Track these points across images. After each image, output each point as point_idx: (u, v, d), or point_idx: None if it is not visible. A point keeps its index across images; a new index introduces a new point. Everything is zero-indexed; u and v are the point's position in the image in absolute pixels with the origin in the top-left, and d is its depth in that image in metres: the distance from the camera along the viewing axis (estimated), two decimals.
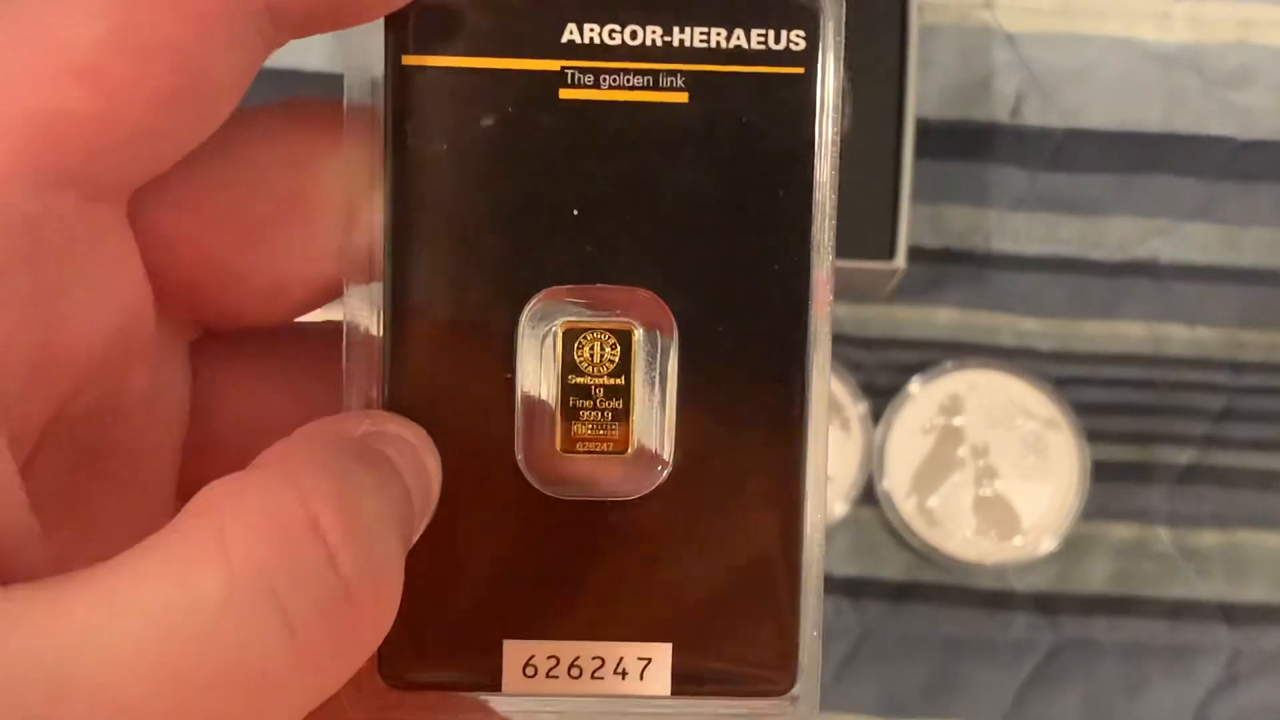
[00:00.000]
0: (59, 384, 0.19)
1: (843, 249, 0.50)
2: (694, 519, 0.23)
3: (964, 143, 0.54)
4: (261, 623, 0.16)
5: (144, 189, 0.20)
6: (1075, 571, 0.52)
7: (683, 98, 0.22)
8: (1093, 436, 0.52)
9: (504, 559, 0.23)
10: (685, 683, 0.23)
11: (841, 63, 0.22)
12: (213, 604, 0.16)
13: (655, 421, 0.23)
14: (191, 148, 0.20)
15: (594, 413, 0.23)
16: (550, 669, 0.23)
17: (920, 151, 0.50)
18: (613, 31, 0.22)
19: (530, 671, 0.23)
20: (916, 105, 0.50)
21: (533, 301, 0.23)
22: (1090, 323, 0.53)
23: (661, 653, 0.23)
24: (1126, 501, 0.52)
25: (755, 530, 0.23)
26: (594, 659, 0.23)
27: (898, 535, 0.52)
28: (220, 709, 0.16)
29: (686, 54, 0.22)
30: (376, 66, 0.22)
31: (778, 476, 0.23)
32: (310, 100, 0.22)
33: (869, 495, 0.52)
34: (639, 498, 0.23)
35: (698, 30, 0.22)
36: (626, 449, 0.23)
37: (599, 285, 0.23)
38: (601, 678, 0.23)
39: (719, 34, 0.22)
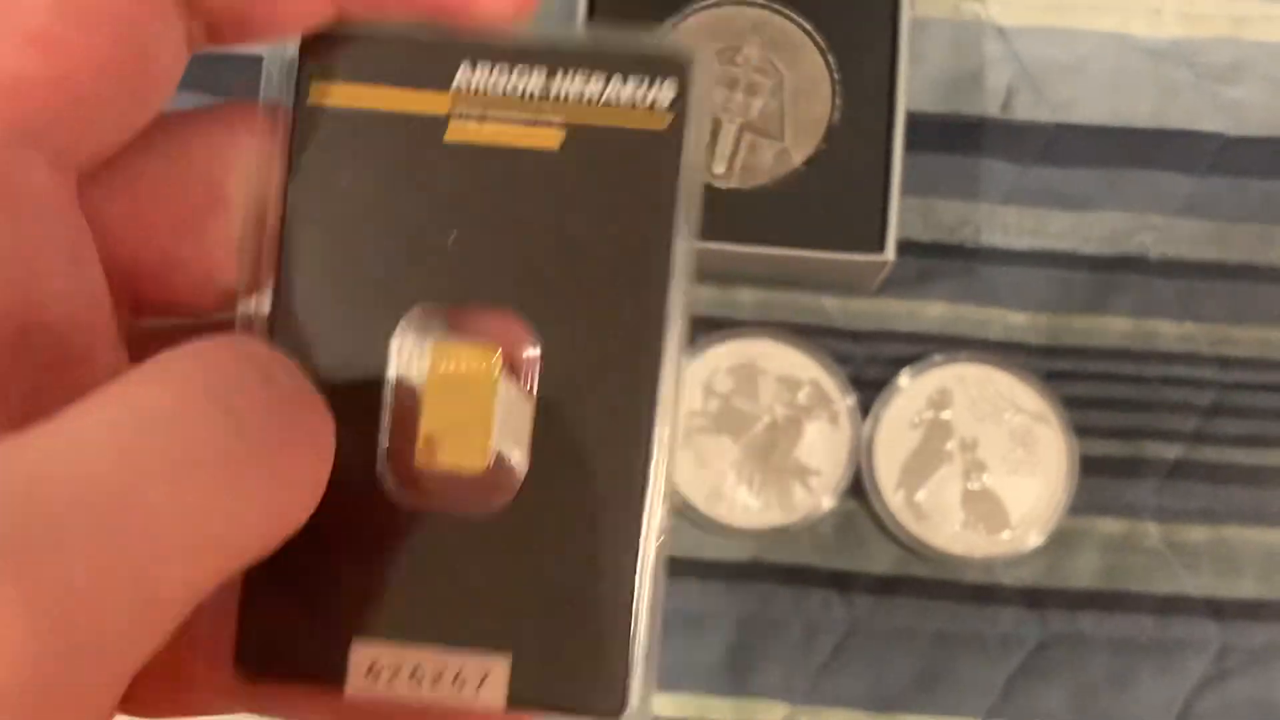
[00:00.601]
0: (39, 356, 0.19)
1: (832, 240, 0.50)
2: (540, 538, 0.24)
3: (954, 136, 0.55)
4: (212, 420, 0.18)
5: (85, 175, 0.21)
6: (1063, 566, 0.52)
7: (558, 139, 0.24)
8: (1081, 431, 0.52)
9: (361, 564, 0.24)
10: (519, 698, 0.24)
11: (707, 118, 0.25)
12: (166, 411, 0.18)
13: (512, 440, 0.24)
14: (134, 129, 0.21)
15: (456, 427, 0.24)
16: (392, 675, 0.24)
17: (910, 144, 0.50)
18: (497, 76, 0.24)
19: (374, 675, 0.24)
20: (907, 98, 0.51)
21: (404, 320, 0.24)
22: (1079, 317, 0.54)
23: (500, 667, 0.24)
24: (1115, 496, 0.53)
25: (595, 553, 0.24)
26: (435, 667, 0.24)
27: (885, 528, 0.52)
28: (190, 497, 0.17)
29: (563, 101, 0.24)
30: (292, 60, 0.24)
31: (621, 500, 0.24)
32: (242, 102, 0.23)
33: (857, 488, 0.52)
34: (491, 509, 0.24)
35: (577, 77, 0.24)
36: (483, 464, 0.24)
37: (471, 306, 0.24)
38: (440, 687, 0.24)
39: (595, 83, 0.24)
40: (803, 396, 0.52)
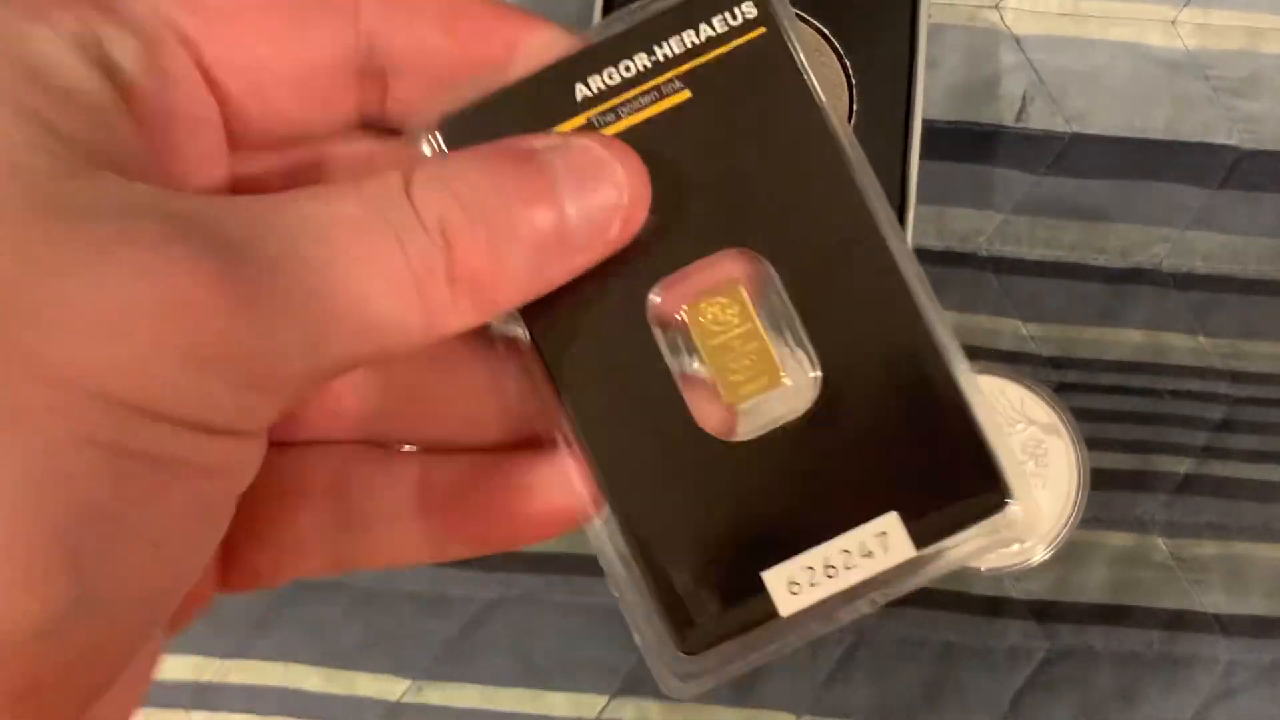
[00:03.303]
0: None
1: None
2: (859, 408, 0.28)
3: (968, 144, 0.56)
4: (383, 235, 0.22)
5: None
6: (1072, 580, 0.53)
7: (687, 95, 0.28)
8: (1092, 443, 0.53)
9: (728, 510, 0.28)
10: (922, 536, 0.28)
11: (792, 15, 0.28)
12: (354, 215, 0.22)
13: (792, 346, 0.28)
14: None
15: (740, 362, 0.28)
16: (810, 579, 0.28)
17: (923, 152, 0.51)
18: (611, 74, 0.28)
19: (795, 589, 0.28)
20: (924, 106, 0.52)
21: (651, 298, 0.28)
22: (1091, 329, 0.55)
23: (892, 522, 0.28)
24: (1124, 510, 0.54)
25: (912, 387, 0.28)
26: (842, 553, 0.28)
27: None
28: (366, 296, 0.22)
29: (673, 61, 0.28)
30: None
31: (906, 334, 0.28)
32: None
33: None
34: (807, 413, 0.28)
35: (673, 40, 0.28)
36: (780, 379, 0.28)
37: (696, 263, 0.28)
38: (855, 565, 0.28)
39: (689, 35, 0.28)
40: None
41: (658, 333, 0.28)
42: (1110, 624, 0.53)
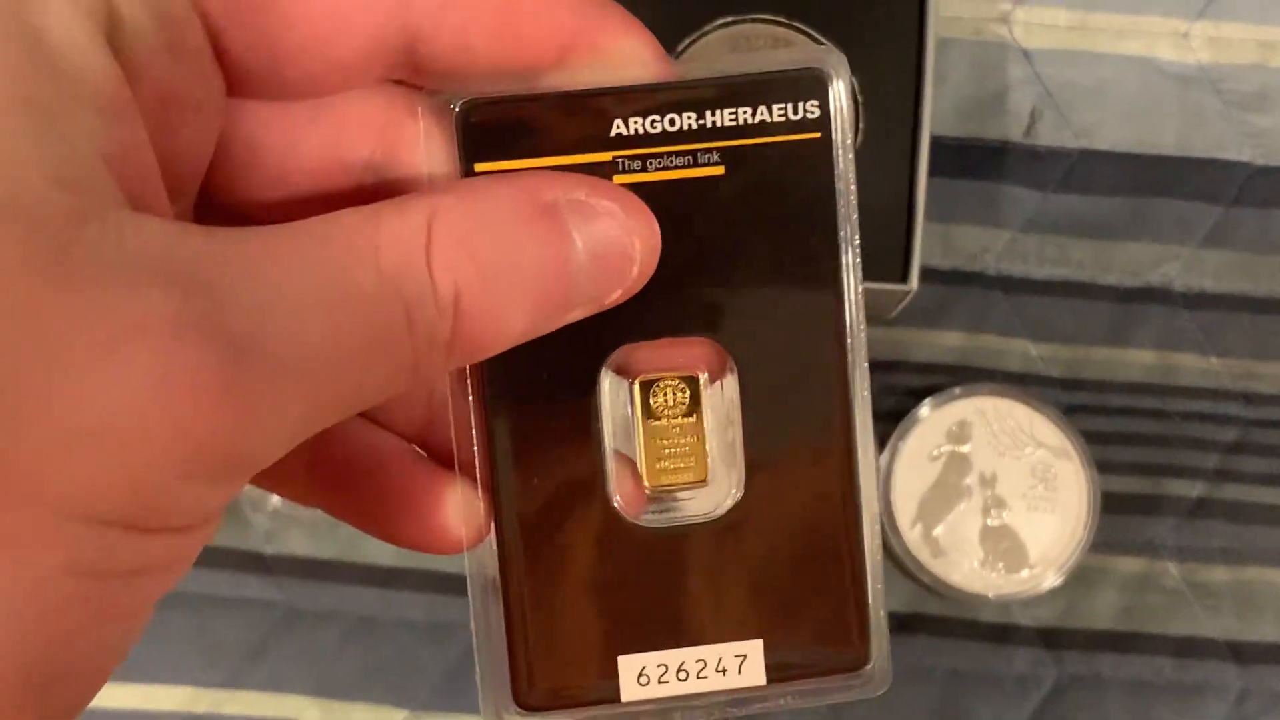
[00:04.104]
0: None
1: None
2: (766, 531, 0.28)
3: (975, 160, 0.55)
4: (393, 312, 0.21)
5: None
6: (1082, 605, 0.53)
7: (719, 171, 0.27)
8: (1102, 466, 0.53)
9: (610, 586, 0.28)
10: (777, 671, 0.28)
11: (851, 120, 0.27)
12: (367, 290, 0.21)
13: (726, 451, 0.28)
14: None
15: (673, 449, 0.28)
16: (661, 675, 0.29)
17: (930, 168, 0.51)
18: (654, 122, 0.26)
19: (644, 680, 0.29)
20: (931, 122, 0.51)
21: (610, 359, 0.27)
22: (1101, 349, 0.54)
23: (754, 649, 0.29)
24: (1135, 534, 0.53)
25: (820, 532, 0.28)
26: (697, 662, 0.29)
27: (901, 564, 0.52)
28: (362, 371, 0.21)
29: (719, 133, 0.27)
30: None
31: (834, 481, 0.28)
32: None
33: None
34: (717, 518, 0.28)
35: (727, 111, 0.27)
36: (705, 478, 0.28)
37: (666, 340, 0.27)
38: (706, 677, 0.29)
39: (745, 112, 0.27)
40: None
41: (605, 396, 0.28)
42: (1120, 651, 0.53)
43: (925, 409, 0.53)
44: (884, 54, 0.52)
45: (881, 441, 0.53)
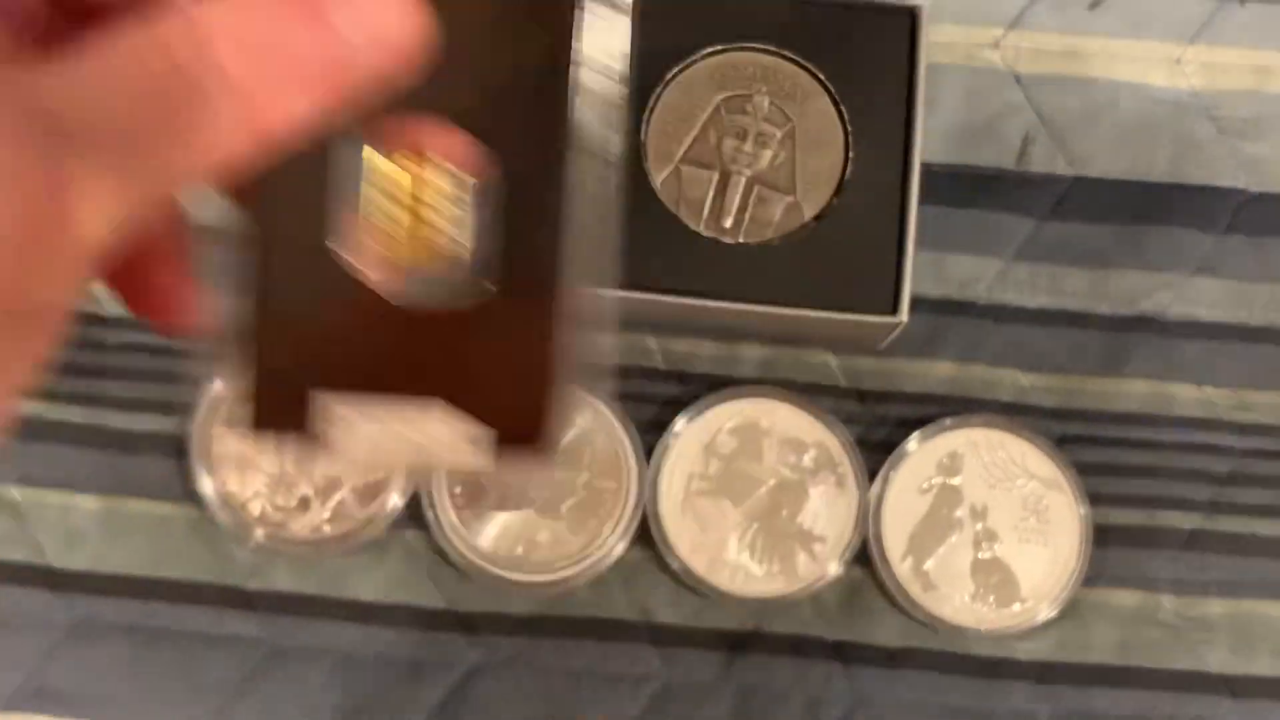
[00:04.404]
0: None
1: (842, 300, 0.51)
2: (481, 308, 0.30)
3: (967, 188, 0.55)
4: (188, 96, 0.24)
5: None
6: (1076, 640, 0.52)
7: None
8: (1095, 499, 0.53)
9: (329, 339, 0.32)
10: (459, 428, 0.31)
11: None
12: (162, 77, 0.23)
13: (449, 227, 0.30)
14: None
15: (419, 226, 0.30)
16: (357, 417, 0.31)
17: (921, 197, 0.50)
18: None
19: (345, 420, 0.31)
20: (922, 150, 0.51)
21: (359, 137, 0.29)
22: (1094, 379, 0.54)
23: (438, 406, 0.31)
24: (1129, 567, 0.53)
25: (525, 316, 0.31)
26: (393, 411, 0.31)
27: (892, 599, 0.52)
28: (166, 149, 0.24)
29: None
30: None
31: (540, 268, 0.30)
32: None
33: (863, 556, 0.52)
34: (440, 290, 0.30)
35: None
36: (428, 254, 0.30)
37: (430, 127, 0.29)
38: (398, 424, 0.31)
39: None
40: (808, 459, 0.52)
41: (349, 171, 0.30)
42: (1115, 686, 0.52)
43: (914, 442, 0.52)
44: (875, 81, 0.51)
45: (872, 474, 0.52)
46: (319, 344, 0.32)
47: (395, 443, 0.32)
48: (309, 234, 0.31)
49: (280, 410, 0.32)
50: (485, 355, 0.31)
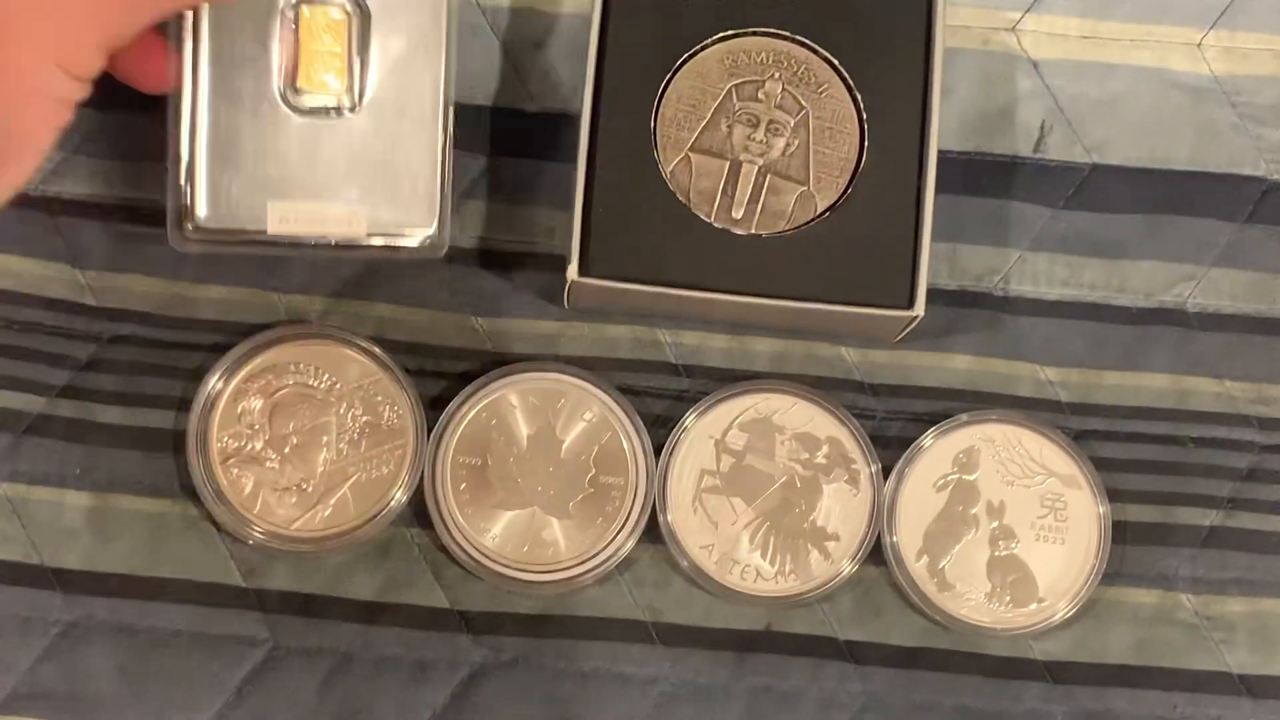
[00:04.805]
0: None
1: (856, 293, 0.50)
2: (379, 126, 0.48)
3: (983, 176, 0.54)
4: None
5: None
6: (1093, 640, 0.51)
7: None
8: (1113, 495, 0.52)
9: (269, 155, 0.47)
10: (374, 230, 0.48)
11: None
12: None
13: (356, 61, 0.48)
14: None
15: (323, 66, 0.47)
16: (295, 219, 0.47)
17: (937, 185, 0.49)
18: None
19: (283, 221, 0.47)
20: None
21: None
22: (1112, 373, 0.53)
23: (360, 212, 0.47)
24: (1147, 565, 0.52)
25: (415, 137, 0.48)
26: (321, 215, 0.47)
27: (906, 598, 0.51)
28: None
29: None
30: None
31: (425, 106, 0.48)
32: None
33: (877, 555, 0.51)
34: (348, 116, 0.48)
35: None
36: (342, 90, 0.48)
37: None
38: (326, 226, 0.48)
39: None
40: (821, 455, 0.51)
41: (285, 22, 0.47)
42: (1132, 686, 0.51)
43: (930, 438, 0.51)
44: (890, 66, 0.50)
45: (886, 470, 0.51)
46: (264, 162, 0.47)
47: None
48: None
49: (228, 218, 0.47)
50: (388, 160, 0.48)
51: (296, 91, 0.48)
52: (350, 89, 0.48)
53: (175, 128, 0.47)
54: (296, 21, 0.47)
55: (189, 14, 0.46)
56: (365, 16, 0.48)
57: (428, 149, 0.48)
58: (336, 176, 0.47)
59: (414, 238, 0.48)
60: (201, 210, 0.47)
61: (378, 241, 0.48)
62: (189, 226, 0.48)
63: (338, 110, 0.48)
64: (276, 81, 0.47)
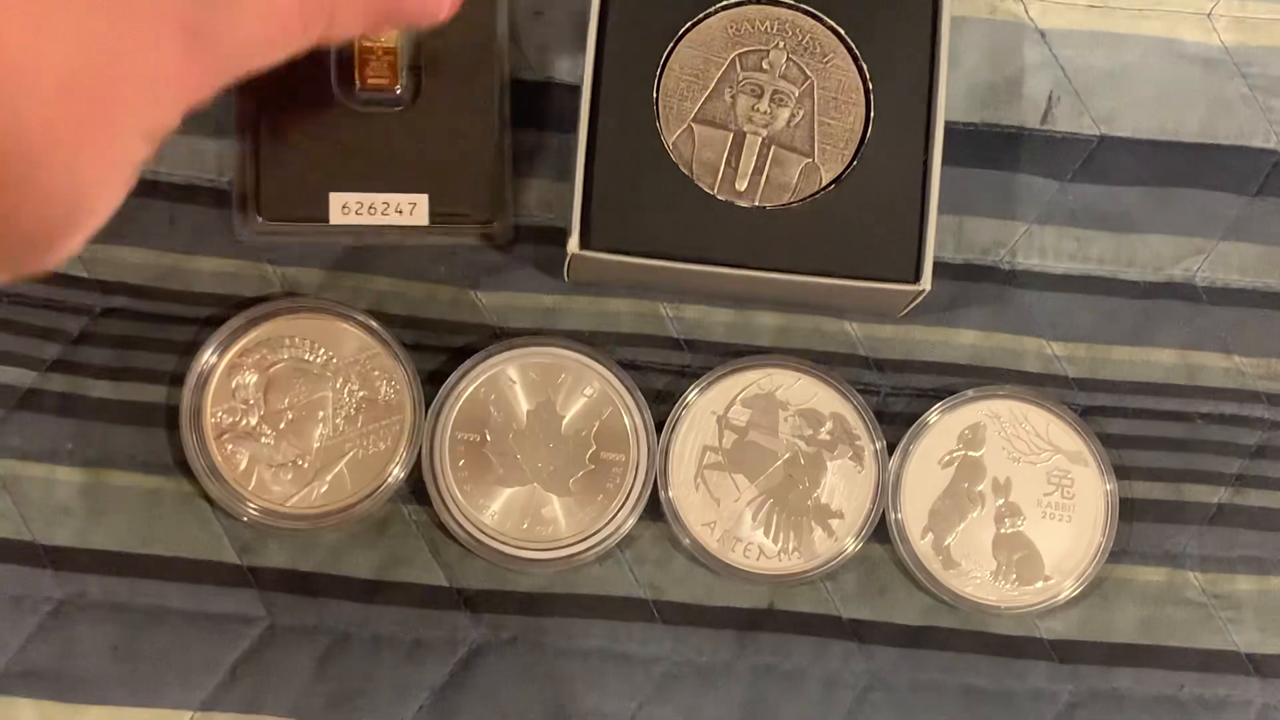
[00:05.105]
0: None
1: (862, 267, 0.49)
2: (438, 121, 0.49)
3: (989, 148, 0.53)
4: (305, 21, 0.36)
5: None
6: (1099, 618, 0.51)
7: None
8: (1120, 472, 0.51)
9: (331, 145, 0.49)
10: (436, 218, 0.49)
11: None
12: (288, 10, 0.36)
13: (411, 53, 0.50)
14: None
15: (377, 65, 0.49)
16: (357, 209, 0.49)
17: (943, 157, 0.49)
18: None
19: (345, 210, 0.49)
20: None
21: None
22: (1120, 348, 0.52)
23: (422, 200, 0.49)
24: (1155, 543, 0.51)
25: (470, 124, 0.50)
26: (383, 203, 0.49)
27: (911, 576, 0.50)
28: (275, 50, 0.36)
29: None
30: None
31: (482, 94, 0.50)
32: None
33: (881, 532, 0.50)
34: (403, 108, 0.50)
35: None
36: (396, 84, 0.49)
37: None
38: (388, 215, 0.49)
39: None
40: (825, 432, 0.51)
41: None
42: (1139, 665, 0.51)
43: (935, 413, 0.51)
44: (895, 36, 0.49)
45: (891, 446, 0.51)
46: (325, 154, 0.49)
47: None
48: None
49: (294, 206, 0.49)
50: (449, 152, 0.50)
51: (354, 85, 0.49)
52: (406, 80, 0.49)
53: (240, 123, 0.50)
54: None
55: None
56: None
57: (485, 135, 0.50)
58: (397, 166, 0.49)
59: (476, 224, 0.50)
60: (266, 202, 0.49)
61: (440, 229, 0.49)
62: (257, 219, 0.49)
63: (395, 101, 0.49)
64: (334, 75, 0.49)
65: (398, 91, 0.49)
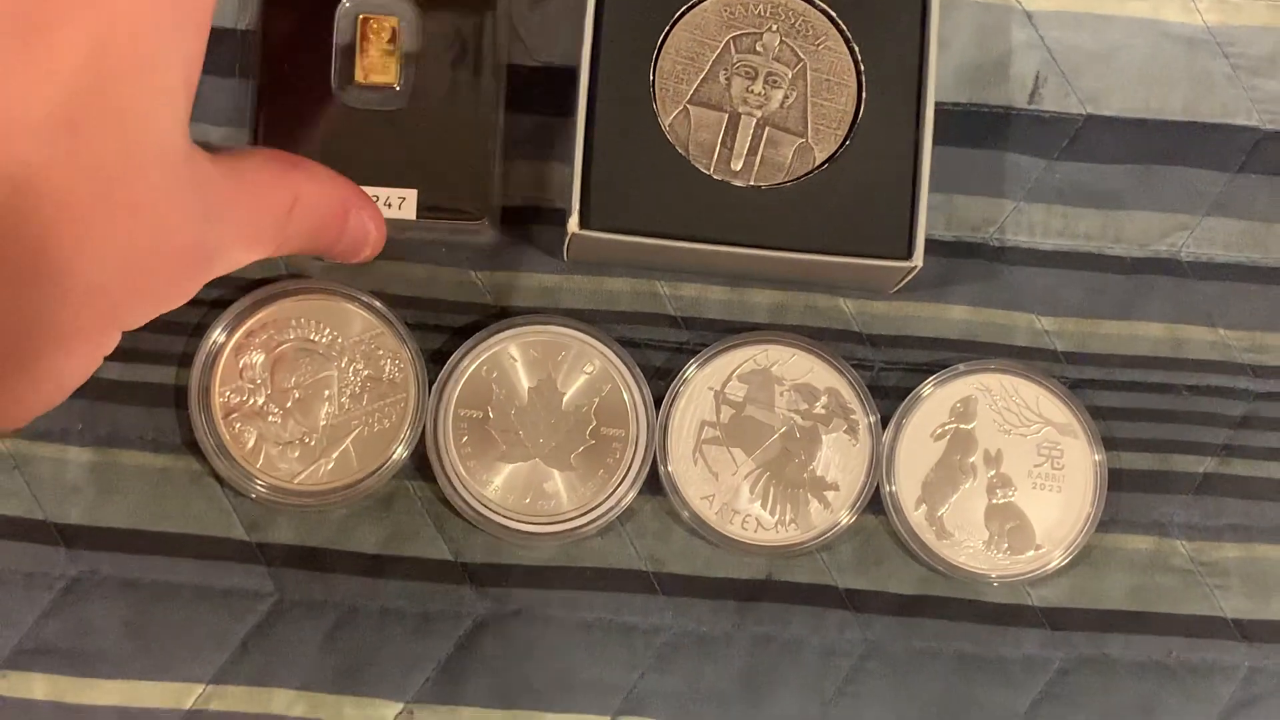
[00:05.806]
0: None
1: (855, 244, 0.50)
2: (427, 118, 0.50)
3: (978, 128, 0.54)
4: (277, 223, 0.40)
5: None
6: (1089, 586, 0.53)
7: None
8: (1109, 443, 0.53)
9: (325, 142, 0.50)
10: (424, 211, 0.50)
11: None
12: (273, 218, 0.40)
13: (408, 68, 0.51)
14: None
15: (378, 61, 0.50)
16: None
17: (933, 137, 0.50)
18: None
19: None
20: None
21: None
22: (1108, 322, 0.54)
23: (410, 195, 0.50)
24: (1143, 512, 0.53)
25: (462, 123, 0.51)
26: (373, 196, 0.47)
27: (906, 546, 0.52)
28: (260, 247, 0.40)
29: None
30: None
31: (476, 96, 0.51)
32: None
33: (876, 504, 0.52)
34: (399, 108, 0.51)
35: None
36: (395, 82, 0.50)
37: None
38: (380, 208, 0.47)
39: None
40: (820, 406, 0.52)
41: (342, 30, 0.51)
42: (1129, 632, 0.52)
43: (928, 387, 0.52)
44: (886, 18, 0.51)
45: (884, 420, 0.52)
46: (325, 149, 0.50)
47: None
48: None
49: None
50: (438, 149, 0.50)
51: (351, 83, 0.50)
52: (403, 79, 0.50)
53: (253, 120, 0.51)
54: (354, 25, 0.51)
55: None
56: (419, 11, 0.51)
57: (477, 133, 0.51)
58: (389, 160, 0.50)
59: (463, 220, 0.51)
60: None
61: (426, 224, 0.50)
62: None
63: (391, 98, 0.50)
64: (333, 74, 0.50)
65: (397, 89, 0.50)
